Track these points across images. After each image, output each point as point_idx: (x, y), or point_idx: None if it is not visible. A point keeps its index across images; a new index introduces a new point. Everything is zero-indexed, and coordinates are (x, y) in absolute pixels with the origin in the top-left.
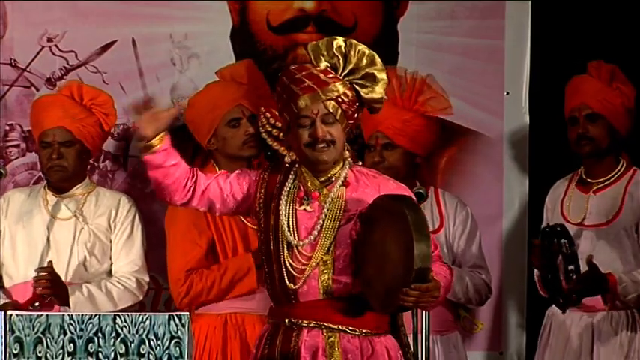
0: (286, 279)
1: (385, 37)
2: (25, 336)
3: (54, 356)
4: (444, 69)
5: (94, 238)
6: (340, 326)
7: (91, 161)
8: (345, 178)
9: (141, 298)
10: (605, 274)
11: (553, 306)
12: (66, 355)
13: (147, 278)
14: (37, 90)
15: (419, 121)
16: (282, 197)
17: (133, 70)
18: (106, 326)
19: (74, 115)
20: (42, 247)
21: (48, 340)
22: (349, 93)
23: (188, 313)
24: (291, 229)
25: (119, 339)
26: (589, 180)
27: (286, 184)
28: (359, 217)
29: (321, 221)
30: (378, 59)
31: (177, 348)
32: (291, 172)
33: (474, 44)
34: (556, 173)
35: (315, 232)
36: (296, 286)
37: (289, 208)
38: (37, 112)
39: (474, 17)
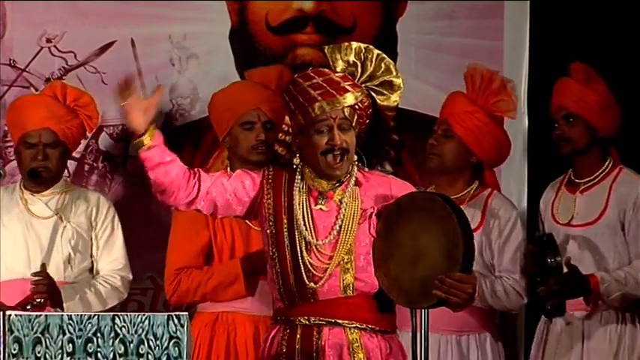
0: (305, 278)
1: (384, 38)
2: (24, 336)
3: (53, 356)
4: (443, 69)
5: (77, 236)
6: (362, 324)
7: (89, 161)
8: (356, 178)
9: (126, 295)
10: (586, 276)
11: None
12: (65, 355)
13: (130, 276)
14: (37, 90)
15: (481, 116)
16: (294, 196)
17: (132, 70)
18: (105, 326)
19: (60, 117)
20: (24, 246)
21: (47, 340)
22: (366, 100)
23: (187, 313)
24: (308, 229)
25: (118, 339)
26: (576, 180)
27: (295, 183)
28: (377, 214)
29: (340, 220)
30: (394, 66)
31: (176, 348)
32: (297, 172)
33: (473, 45)
34: (555, 175)
35: (335, 232)
36: (317, 285)
37: (304, 207)
38: (19, 112)
39: (473, 18)
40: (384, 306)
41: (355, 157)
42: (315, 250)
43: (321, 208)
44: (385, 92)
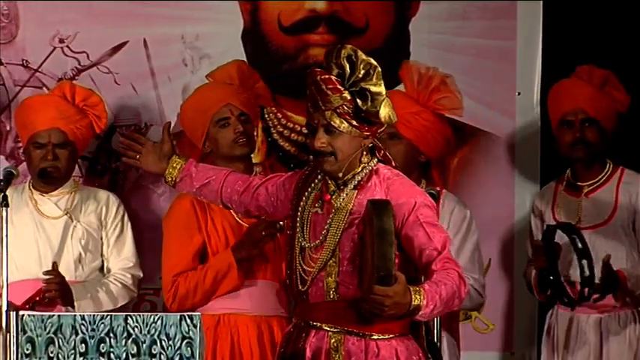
0: (298, 281)
1: (397, 38)
2: (37, 336)
3: (66, 356)
4: (456, 69)
5: (87, 235)
6: (345, 328)
7: (102, 161)
8: (359, 181)
9: (136, 294)
10: (617, 272)
11: (557, 306)
12: (78, 355)
13: (141, 274)
14: (49, 91)
15: (427, 116)
16: (302, 199)
17: (144, 70)
18: (118, 327)
19: (69, 117)
20: (35, 246)
21: (60, 340)
22: (350, 105)
23: (199, 313)
24: (304, 232)
25: (131, 339)
26: (578, 183)
27: (312, 185)
28: (361, 220)
29: (327, 225)
30: (375, 72)
31: (189, 348)
32: (319, 175)
33: (486, 45)
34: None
35: (322, 236)
36: (304, 288)
37: (305, 211)
38: (28, 112)
39: (486, 18)
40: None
41: (366, 159)
42: (306, 254)
43: (317, 212)
44: (364, 99)
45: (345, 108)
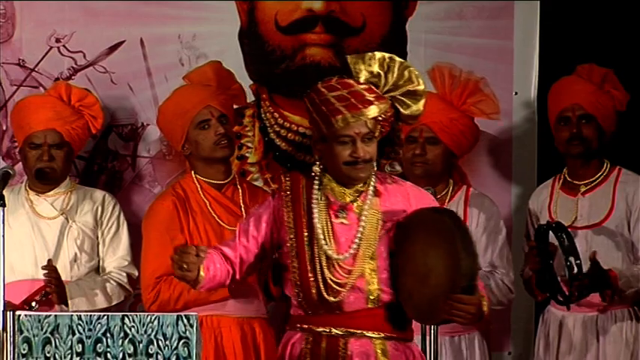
0: (324, 292)
1: (394, 37)
2: (34, 336)
3: (62, 356)
4: None
5: (83, 235)
6: (387, 334)
7: (98, 161)
8: (375, 187)
9: (132, 292)
10: (606, 271)
11: (550, 306)
12: (74, 355)
13: (136, 273)
14: (45, 90)
15: (465, 121)
16: (314, 210)
17: (141, 70)
18: (115, 326)
19: (65, 118)
20: (31, 247)
21: (56, 340)
22: (389, 111)
23: (196, 314)
24: (329, 244)
25: (127, 339)
26: (575, 182)
27: (313, 194)
28: (395, 226)
29: (359, 234)
30: (416, 74)
31: (186, 348)
32: (315, 181)
33: (483, 44)
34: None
35: (356, 245)
36: (337, 299)
37: (324, 221)
38: (24, 113)
39: (483, 17)
40: (404, 316)
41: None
42: (336, 264)
43: (342, 222)
44: (408, 102)
45: (385, 115)
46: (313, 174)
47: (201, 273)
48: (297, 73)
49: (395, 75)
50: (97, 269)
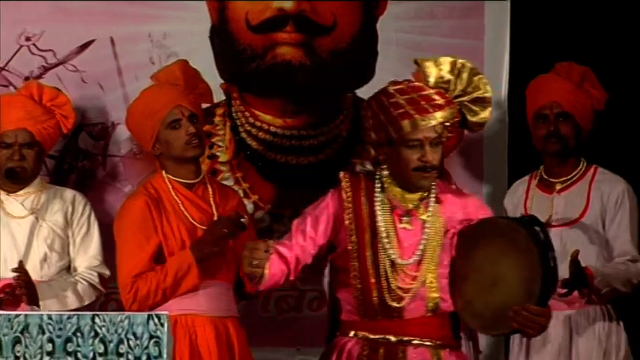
0: (389, 299)
1: (364, 37)
2: (4, 336)
3: (32, 356)
4: None
5: (53, 235)
6: (443, 342)
7: (69, 160)
8: (436, 195)
9: (103, 292)
10: (584, 269)
11: None
12: (44, 354)
13: (108, 272)
14: (15, 89)
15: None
16: (377, 213)
17: (111, 69)
18: (85, 326)
19: (36, 117)
20: (1, 246)
21: (26, 339)
22: (457, 117)
23: (167, 313)
24: (394, 248)
25: (98, 339)
26: (551, 180)
27: (375, 197)
28: (459, 233)
29: (424, 240)
30: (485, 82)
31: (156, 347)
32: (376, 184)
33: (454, 44)
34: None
35: (420, 252)
36: (401, 305)
37: (389, 225)
38: None
39: (453, 17)
40: (456, 324)
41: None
42: (400, 270)
43: (405, 227)
44: (476, 109)
45: (452, 121)
46: (378, 177)
47: (265, 270)
48: (268, 72)
49: (464, 81)
50: (68, 268)
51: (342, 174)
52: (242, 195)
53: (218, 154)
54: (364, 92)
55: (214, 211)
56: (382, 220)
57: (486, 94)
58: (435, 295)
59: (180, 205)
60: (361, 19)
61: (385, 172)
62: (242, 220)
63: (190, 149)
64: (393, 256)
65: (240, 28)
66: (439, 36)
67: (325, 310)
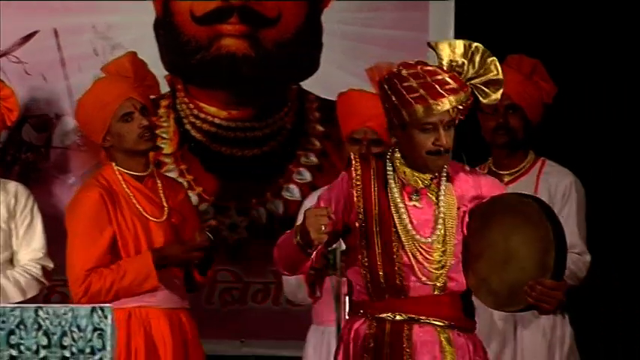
0: (411, 275)
1: (309, 29)
2: None
3: None
4: (368, 60)
5: None
6: (451, 322)
7: (12, 152)
8: (448, 173)
9: (47, 285)
10: None
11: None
12: None
13: (51, 265)
14: None
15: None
16: (392, 191)
17: (55, 60)
18: (28, 318)
19: None
20: None
21: None
22: (470, 99)
23: (110, 305)
24: (410, 225)
25: (41, 331)
26: (499, 172)
27: (387, 177)
28: (469, 212)
29: (440, 219)
30: (497, 64)
31: (100, 340)
32: (388, 164)
33: (398, 36)
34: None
35: (439, 230)
36: (425, 281)
37: (398, 203)
38: None
39: (398, 10)
40: (469, 305)
41: None
42: (417, 247)
43: (415, 205)
44: (488, 91)
45: (466, 104)
46: (389, 157)
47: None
48: (213, 64)
49: (477, 63)
50: (11, 261)
51: (352, 155)
52: (186, 187)
53: (162, 145)
54: (309, 84)
55: (164, 204)
56: (392, 198)
57: (499, 76)
58: (442, 273)
59: (132, 197)
60: (306, 11)
61: (397, 155)
62: (214, 245)
63: (142, 142)
64: (412, 233)
65: (184, 19)
66: (383, 28)
67: (269, 302)
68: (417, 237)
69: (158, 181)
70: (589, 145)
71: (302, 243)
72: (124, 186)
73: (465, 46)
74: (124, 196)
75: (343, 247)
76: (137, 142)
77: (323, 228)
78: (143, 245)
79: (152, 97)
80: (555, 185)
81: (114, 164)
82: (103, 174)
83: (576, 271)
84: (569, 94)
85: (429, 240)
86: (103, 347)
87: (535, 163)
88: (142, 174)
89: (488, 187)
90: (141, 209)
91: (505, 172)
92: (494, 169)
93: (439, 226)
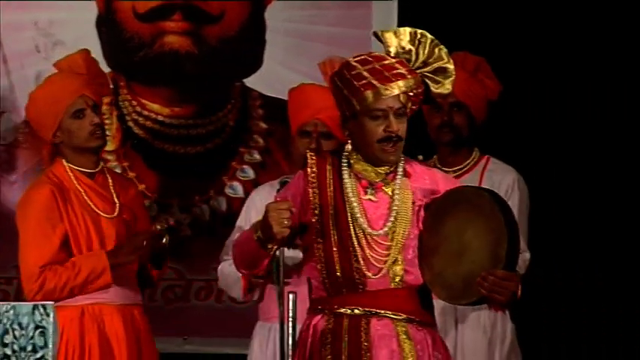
0: (364, 269)
1: (252, 26)
2: None
3: None
4: (311, 57)
5: None
6: (409, 316)
7: None
8: (404, 168)
9: None
10: None
11: None
12: None
13: None
14: None
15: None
16: (345, 184)
17: None
18: None
19: None
20: None
21: None
22: (420, 87)
23: (53, 303)
24: (363, 218)
25: None
26: (444, 169)
27: (343, 171)
28: (425, 207)
29: (394, 212)
30: (446, 52)
31: (42, 338)
32: (343, 160)
33: (341, 33)
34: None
35: (390, 223)
36: (376, 276)
37: (353, 197)
38: None
39: (341, 7)
40: (427, 299)
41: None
42: (368, 240)
43: (370, 199)
44: (439, 79)
45: (416, 91)
46: (345, 152)
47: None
48: (156, 61)
49: (426, 51)
50: None
51: (308, 153)
52: None
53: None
54: (252, 81)
55: (116, 200)
56: (350, 192)
57: (448, 65)
58: (398, 267)
59: (84, 194)
60: (249, 8)
61: (349, 147)
62: (165, 238)
63: (93, 139)
64: (363, 226)
65: (127, 16)
66: (326, 26)
67: (212, 299)
68: (369, 230)
69: (109, 178)
70: (533, 142)
71: (263, 238)
72: (75, 182)
73: (411, 34)
74: (75, 193)
75: (288, 253)
76: (88, 140)
77: (285, 222)
78: (95, 241)
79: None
80: (498, 182)
81: (64, 161)
82: (54, 171)
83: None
84: (513, 92)
85: (381, 233)
86: (45, 345)
87: (480, 160)
88: (92, 170)
89: (444, 182)
90: (92, 205)
91: (450, 170)
92: (439, 167)
93: (391, 219)
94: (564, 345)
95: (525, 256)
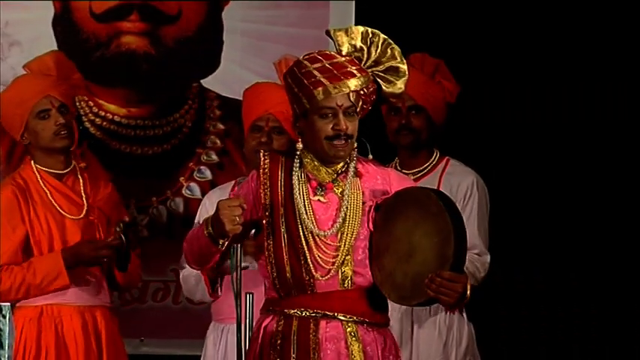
0: (312, 270)
1: (210, 26)
2: None
3: None
4: (269, 58)
5: None
6: (359, 318)
7: None
8: (356, 168)
9: None
10: None
11: None
12: None
13: None
14: None
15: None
16: (294, 185)
17: None
18: None
19: None
20: None
21: None
22: (371, 86)
23: (9, 304)
24: (311, 219)
25: None
26: (404, 171)
27: (293, 172)
28: (376, 207)
29: (343, 212)
30: (399, 52)
31: None
32: (295, 160)
33: (299, 34)
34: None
35: (338, 224)
36: (324, 277)
37: (304, 197)
38: None
39: (299, 7)
40: (379, 300)
41: (354, 145)
42: (316, 241)
43: (319, 200)
44: (391, 79)
45: (367, 90)
46: (297, 152)
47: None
48: (112, 62)
49: (378, 50)
50: None
51: (261, 152)
52: None
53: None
54: (209, 82)
55: (84, 202)
56: (298, 193)
57: (400, 65)
58: (347, 268)
59: (49, 194)
60: (207, 8)
61: (300, 145)
62: (122, 246)
63: (58, 140)
64: (310, 227)
65: (83, 16)
66: (285, 26)
67: (169, 300)
68: (317, 231)
69: (80, 179)
70: (493, 144)
71: (214, 234)
72: (41, 183)
73: (363, 33)
74: (40, 194)
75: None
76: (52, 140)
77: (237, 219)
78: (57, 243)
79: (82, 97)
80: (457, 184)
81: (32, 162)
82: (21, 173)
83: (474, 272)
84: (472, 93)
85: (329, 233)
86: (1, 346)
87: (439, 162)
88: (61, 171)
89: (398, 182)
90: (57, 207)
91: (409, 172)
92: (399, 169)
93: (340, 220)
94: (524, 347)
95: (486, 258)
